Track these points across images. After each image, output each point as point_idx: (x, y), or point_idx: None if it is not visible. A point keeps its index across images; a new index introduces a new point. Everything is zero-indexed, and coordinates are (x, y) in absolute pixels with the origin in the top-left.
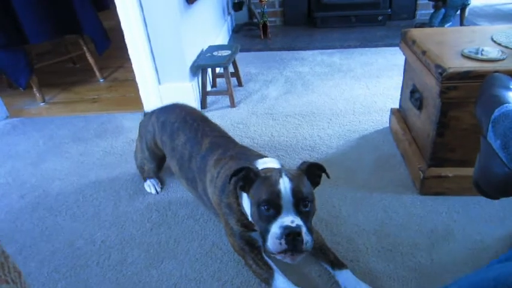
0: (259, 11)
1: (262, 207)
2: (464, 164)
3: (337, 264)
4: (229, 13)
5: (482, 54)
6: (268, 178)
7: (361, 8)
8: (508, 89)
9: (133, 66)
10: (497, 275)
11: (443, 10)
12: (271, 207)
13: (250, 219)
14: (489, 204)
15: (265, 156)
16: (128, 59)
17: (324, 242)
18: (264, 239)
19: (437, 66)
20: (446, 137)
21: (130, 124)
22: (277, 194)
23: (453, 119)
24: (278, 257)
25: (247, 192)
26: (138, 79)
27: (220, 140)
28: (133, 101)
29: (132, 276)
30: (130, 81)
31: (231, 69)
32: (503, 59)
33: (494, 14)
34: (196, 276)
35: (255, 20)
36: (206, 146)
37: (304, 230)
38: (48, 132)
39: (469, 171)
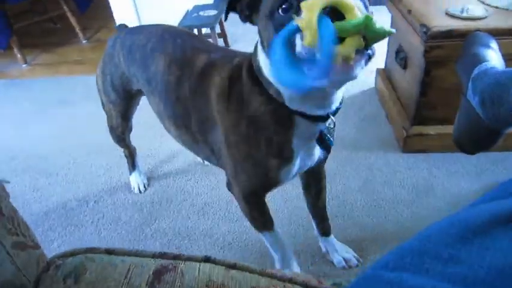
0: None
1: (277, 12)
2: (445, 122)
3: (326, 233)
4: None
5: (466, 12)
6: None
7: None
8: (487, 47)
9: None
10: (466, 217)
11: None
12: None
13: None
14: (467, 160)
15: None
16: (111, 19)
17: (325, 204)
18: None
19: (422, 25)
20: (429, 95)
21: None
22: None
23: (436, 78)
24: (321, 77)
25: (256, 20)
26: None
27: (226, 52)
28: None
29: (127, 235)
30: None
31: (217, 29)
32: (485, 17)
33: None
34: (189, 233)
35: None
36: (203, 63)
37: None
38: (33, 95)
39: (450, 129)
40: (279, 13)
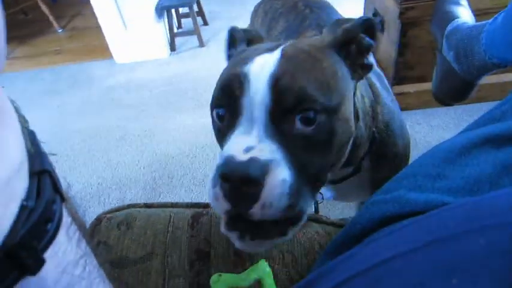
0: None
1: (214, 110)
2: (423, 79)
3: None
4: None
5: None
6: (244, 52)
7: None
8: (458, 4)
9: (96, 11)
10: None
11: None
12: (224, 108)
13: None
14: (445, 114)
15: None
16: (85, 5)
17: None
18: None
19: None
20: (406, 55)
21: (101, 72)
22: (237, 82)
23: (412, 38)
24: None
25: None
26: (102, 25)
27: None
28: (99, 48)
29: None
30: (92, 29)
31: (195, 8)
32: None
33: None
34: None
35: None
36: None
37: (276, 174)
38: (18, 88)
39: (427, 86)
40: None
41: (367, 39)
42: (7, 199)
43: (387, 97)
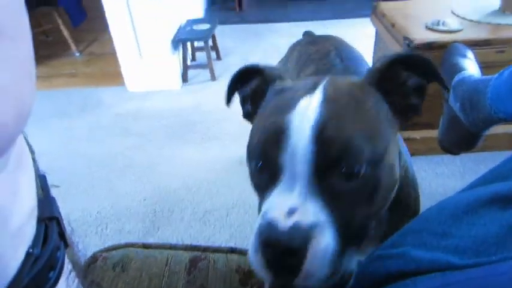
0: None
1: (252, 161)
2: (430, 126)
3: None
4: None
5: (443, 25)
6: (282, 92)
7: None
8: (464, 57)
9: (114, 38)
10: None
11: None
12: (263, 163)
13: None
14: (451, 162)
15: None
16: (103, 32)
17: None
18: None
19: (405, 38)
20: None
21: (112, 99)
22: (277, 135)
23: None
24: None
25: None
26: (118, 52)
27: None
28: (113, 75)
29: None
30: (108, 55)
31: (210, 42)
32: (461, 30)
33: None
34: (192, 241)
35: None
36: None
37: (320, 242)
38: None
39: (434, 133)
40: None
41: (414, 77)
42: (16, 246)
43: (402, 145)
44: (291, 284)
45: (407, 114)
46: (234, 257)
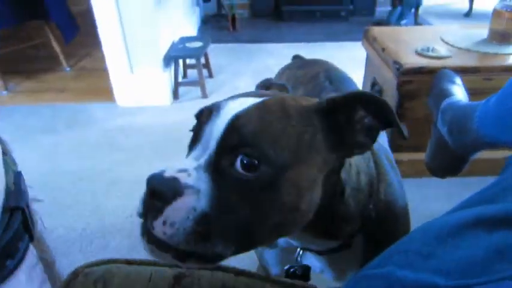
0: (228, 3)
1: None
2: (417, 149)
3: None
4: (197, 4)
5: (433, 51)
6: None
7: (326, 3)
8: (453, 83)
9: (105, 53)
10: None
11: (399, 8)
12: (193, 135)
13: None
14: (438, 185)
15: None
16: (95, 47)
17: None
18: None
19: (395, 62)
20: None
21: (101, 114)
22: (209, 111)
23: (408, 109)
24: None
25: None
26: (109, 68)
27: None
28: (103, 90)
29: None
30: (98, 71)
31: (202, 60)
32: (450, 57)
33: (443, 13)
34: None
35: (224, 12)
36: None
37: (187, 199)
38: (15, 122)
39: (421, 156)
40: None
41: (369, 117)
42: None
43: (394, 177)
44: (151, 227)
45: (352, 149)
46: (219, 274)
